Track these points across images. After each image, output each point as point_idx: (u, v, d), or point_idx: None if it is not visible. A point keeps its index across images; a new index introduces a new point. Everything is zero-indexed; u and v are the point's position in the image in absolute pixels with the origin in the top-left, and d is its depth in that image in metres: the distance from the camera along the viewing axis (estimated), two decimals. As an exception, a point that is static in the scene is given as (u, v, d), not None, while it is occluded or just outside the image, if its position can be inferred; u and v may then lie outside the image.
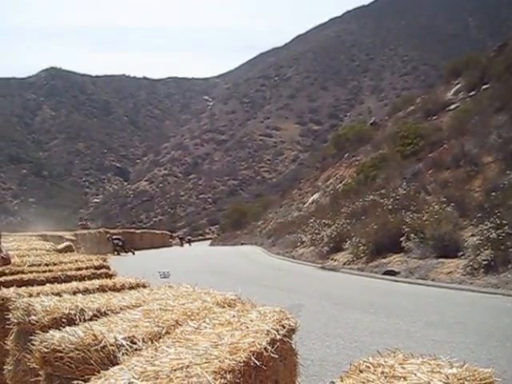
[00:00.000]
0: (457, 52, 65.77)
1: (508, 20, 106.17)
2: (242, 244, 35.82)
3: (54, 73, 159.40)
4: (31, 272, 4.18)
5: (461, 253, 12.15)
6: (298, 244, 22.56)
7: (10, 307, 2.78)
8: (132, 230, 37.57)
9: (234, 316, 2.45)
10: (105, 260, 4.95)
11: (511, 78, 20.44)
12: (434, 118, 26.44)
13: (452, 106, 25.93)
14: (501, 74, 22.27)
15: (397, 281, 12.38)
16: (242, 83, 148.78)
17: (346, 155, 34.24)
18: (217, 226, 71.48)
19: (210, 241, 53.45)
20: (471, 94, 25.47)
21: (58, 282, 3.68)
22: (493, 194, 12.93)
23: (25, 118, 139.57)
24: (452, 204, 14.03)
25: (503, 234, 10.58)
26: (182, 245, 44.07)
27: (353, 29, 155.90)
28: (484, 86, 24.20)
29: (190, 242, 48.42)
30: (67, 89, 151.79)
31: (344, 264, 16.21)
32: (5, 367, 2.77)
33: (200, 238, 66.32)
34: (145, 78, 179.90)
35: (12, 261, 4.59)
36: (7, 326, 2.78)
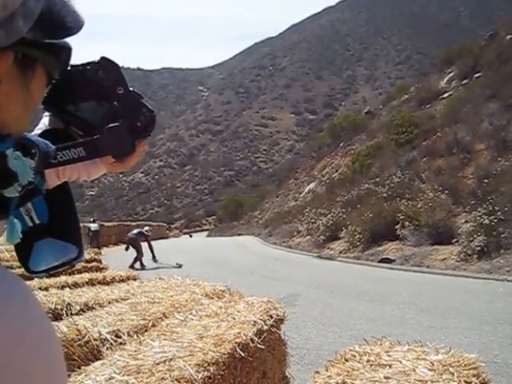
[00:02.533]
0: (449, 41, 65.89)
1: (498, 9, 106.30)
2: (239, 235, 35.84)
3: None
4: (20, 267, 4.16)
5: (455, 239, 12.22)
6: (295, 234, 22.59)
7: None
8: (128, 223, 37.45)
9: (221, 307, 2.44)
10: (96, 253, 4.93)
11: (502, 67, 20.53)
12: (428, 106, 26.52)
13: (445, 95, 26.01)
14: (492, 63, 22.42)
15: (392, 268, 12.43)
16: (237, 73, 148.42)
17: (342, 144, 34.26)
18: (213, 217, 71.52)
19: (206, 232, 53.47)
20: (464, 82, 25.57)
21: (47, 277, 3.67)
22: (485, 180, 13.01)
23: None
24: (446, 191, 14.10)
25: (495, 220, 10.66)
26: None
27: (347, 18, 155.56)
28: (476, 75, 24.36)
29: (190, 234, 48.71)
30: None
31: (340, 253, 16.25)
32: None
33: (197, 229, 66.31)
34: (139, 69, 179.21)
35: (1, 255, 4.57)
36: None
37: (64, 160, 0.84)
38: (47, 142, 0.77)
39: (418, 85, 34.90)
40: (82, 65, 0.85)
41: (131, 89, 0.91)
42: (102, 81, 0.88)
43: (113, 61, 0.89)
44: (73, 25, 0.63)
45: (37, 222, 0.86)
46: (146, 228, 18.45)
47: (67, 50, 0.69)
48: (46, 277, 3.65)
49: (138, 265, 15.14)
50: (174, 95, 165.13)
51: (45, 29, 0.59)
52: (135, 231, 17.00)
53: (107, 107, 0.89)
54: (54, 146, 0.77)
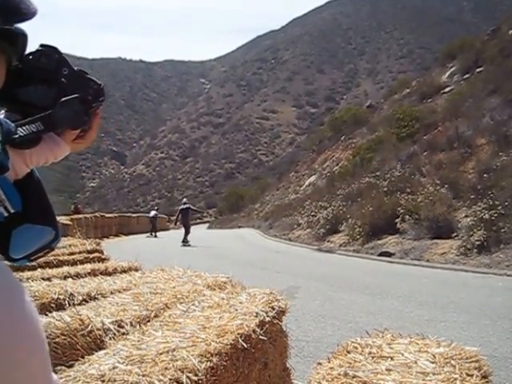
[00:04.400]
0: (451, 35, 65.65)
1: (501, 4, 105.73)
2: (240, 227, 35.89)
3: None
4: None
5: (454, 234, 12.24)
6: (295, 226, 22.62)
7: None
8: (128, 214, 37.48)
9: (223, 298, 2.45)
10: (98, 244, 4.94)
11: (504, 62, 20.51)
12: (430, 100, 26.49)
13: (447, 89, 25.98)
14: (494, 58, 22.39)
15: (392, 262, 12.45)
16: (239, 66, 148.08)
17: (343, 138, 34.22)
18: (214, 209, 71.51)
19: (207, 224, 53.48)
20: (465, 76, 25.53)
21: (50, 267, 3.68)
22: (486, 175, 13.01)
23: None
24: (446, 186, 14.11)
25: (495, 215, 10.68)
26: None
27: (349, 12, 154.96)
28: (478, 69, 24.31)
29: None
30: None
31: (340, 246, 16.28)
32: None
33: (197, 221, 66.34)
34: (141, 61, 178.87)
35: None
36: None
37: (25, 135, 0.89)
38: (6, 119, 0.82)
39: (419, 79, 34.87)
40: (25, 56, 0.89)
41: (75, 68, 0.97)
42: (46, 65, 0.94)
43: (52, 45, 0.95)
44: (26, 11, 0.68)
45: (12, 211, 0.90)
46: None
47: (23, 37, 0.75)
48: (49, 267, 3.66)
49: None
50: (176, 87, 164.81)
51: (1, 15, 0.63)
52: (184, 206, 20.25)
53: (56, 88, 0.95)
54: (13, 124, 0.82)
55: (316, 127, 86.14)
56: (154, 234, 27.70)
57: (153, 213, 29.17)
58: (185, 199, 22.21)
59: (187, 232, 19.82)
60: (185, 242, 19.21)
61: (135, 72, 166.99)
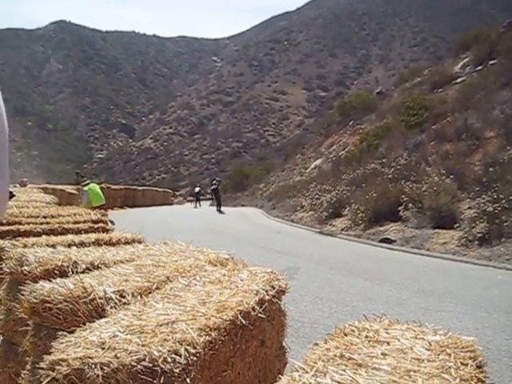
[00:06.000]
0: (467, 26, 64.68)
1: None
2: (243, 206, 35.95)
3: (64, 26, 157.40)
4: (28, 223, 4.20)
5: (457, 224, 12.22)
6: (298, 208, 22.65)
7: (4, 257, 2.80)
8: (134, 187, 37.63)
9: (224, 275, 2.47)
10: (103, 215, 4.97)
11: (519, 55, 20.20)
12: (440, 90, 26.18)
13: (458, 80, 25.67)
14: (509, 51, 22.01)
15: (392, 249, 12.48)
16: (252, 46, 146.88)
17: (351, 123, 33.99)
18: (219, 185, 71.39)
19: (210, 201, 53.58)
20: (478, 68, 25.16)
21: (55, 235, 3.70)
22: (492, 168, 12.94)
23: (32, 70, 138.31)
24: (451, 176, 14.05)
25: (499, 208, 10.64)
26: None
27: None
28: (491, 62, 23.93)
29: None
30: (76, 43, 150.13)
31: (342, 230, 16.31)
32: (-4, 317, 2.81)
33: (201, 198, 66.38)
34: (154, 36, 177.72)
35: (10, 211, 4.61)
36: (0, 276, 2.81)
37: None
38: None
39: (431, 68, 34.42)
40: None
41: None
42: None
43: None
44: None
45: None
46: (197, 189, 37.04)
47: None
48: (54, 235, 3.69)
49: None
50: (188, 64, 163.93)
51: None
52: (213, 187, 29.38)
53: None
54: None
55: (325, 111, 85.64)
56: (198, 205, 35.76)
57: (197, 189, 37.94)
58: (214, 181, 30.03)
59: (219, 204, 28.47)
60: (219, 210, 27.37)
61: (148, 46, 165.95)
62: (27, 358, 2.12)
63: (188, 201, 51.57)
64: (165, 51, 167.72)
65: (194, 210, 31.68)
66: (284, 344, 2.64)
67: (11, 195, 4.96)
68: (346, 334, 1.91)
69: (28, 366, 2.08)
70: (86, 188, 17.08)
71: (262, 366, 2.25)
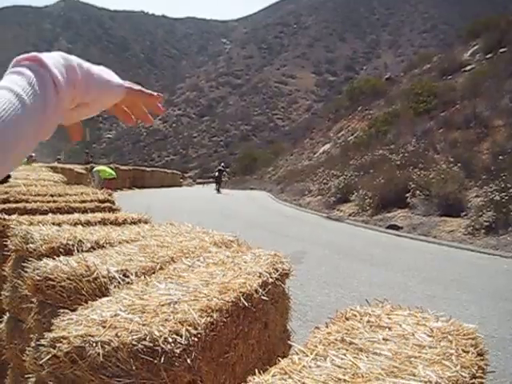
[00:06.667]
0: (477, 13, 63.71)
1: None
2: (251, 189, 36.00)
3: (72, 4, 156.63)
4: (35, 201, 4.21)
5: (464, 213, 12.19)
6: (306, 193, 22.65)
7: (9, 234, 2.81)
8: (142, 168, 37.72)
9: (228, 256, 2.47)
10: (110, 195, 4.97)
11: (529, 44, 19.88)
12: (449, 77, 25.90)
13: (468, 67, 25.38)
14: (519, 39, 21.67)
15: (399, 235, 12.47)
16: (261, 28, 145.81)
17: (360, 108, 33.77)
18: (227, 170, 71.49)
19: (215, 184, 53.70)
20: (488, 56, 24.84)
21: (61, 213, 3.71)
22: (500, 157, 12.85)
23: (40, 48, 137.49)
24: (459, 164, 13.99)
25: (506, 197, 10.59)
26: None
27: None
28: (501, 50, 23.60)
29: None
30: (85, 22, 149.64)
31: (349, 215, 16.30)
32: (2, 293, 2.83)
33: (210, 180, 66.53)
34: (163, 17, 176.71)
35: (18, 189, 4.63)
36: (6, 253, 2.82)
37: None
38: None
39: (441, 55, 34.01)
40: None
41: None
42: None
43: None
44: None
45: None
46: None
47: None
48: (60, 213, 3.70)
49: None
50: (197, 45, 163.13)
51: None
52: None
53: None
54: None
55: (334, 95, 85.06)
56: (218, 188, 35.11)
57: (220, 168, 36.32)
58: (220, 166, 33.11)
59: (219, 187, 30.84)
60: (217, 190, 30.25)
61: (157, 27, 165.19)
62: (32, 335, 2.14)
63: (198, 183, 51.58)
64: (174, 32, 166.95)
65: (212, 194, 28.81)
66: (288, 327, 2.64)
67: (7, 176, 4.98)
68: (347, 319, 1.90)
69: (32, 343, 2.09)
70: (95, 169, 17.21)
71: (266, 348, 2.25)
